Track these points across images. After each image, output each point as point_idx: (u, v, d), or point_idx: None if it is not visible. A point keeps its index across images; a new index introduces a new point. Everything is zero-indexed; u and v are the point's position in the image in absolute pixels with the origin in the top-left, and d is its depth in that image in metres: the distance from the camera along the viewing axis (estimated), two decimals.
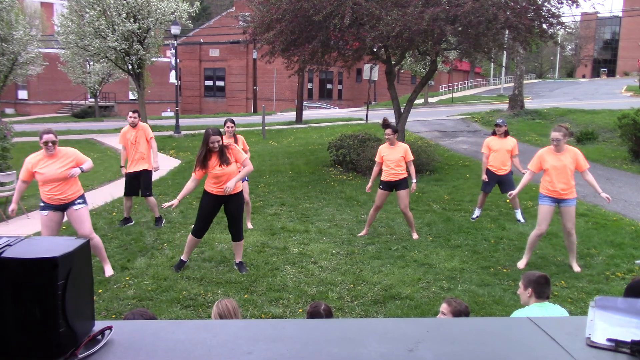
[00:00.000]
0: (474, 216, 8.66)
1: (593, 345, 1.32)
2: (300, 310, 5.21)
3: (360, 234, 7.75)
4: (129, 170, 8.02)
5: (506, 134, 8.46)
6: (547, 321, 1.52)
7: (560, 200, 6.30)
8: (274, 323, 1.83)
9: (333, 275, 6.12)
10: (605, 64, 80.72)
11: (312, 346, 1.33)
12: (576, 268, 6.34)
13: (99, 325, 1.34)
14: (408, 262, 6.60)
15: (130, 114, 8.14)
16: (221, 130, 6.23)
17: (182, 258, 6.29)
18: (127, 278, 5.97)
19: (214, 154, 5.85)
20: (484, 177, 8.44)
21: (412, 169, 7.70)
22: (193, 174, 5.96)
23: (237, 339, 1.35)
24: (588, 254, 6.92)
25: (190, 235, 6.21)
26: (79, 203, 5.83)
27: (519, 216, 8.52)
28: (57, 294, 1.16)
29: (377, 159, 7.76)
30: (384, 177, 7.64)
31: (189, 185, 5.97)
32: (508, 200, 7.76)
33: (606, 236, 7.65)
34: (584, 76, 74.90)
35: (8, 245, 1.22)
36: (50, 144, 5.56)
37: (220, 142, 5.83)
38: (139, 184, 8.03)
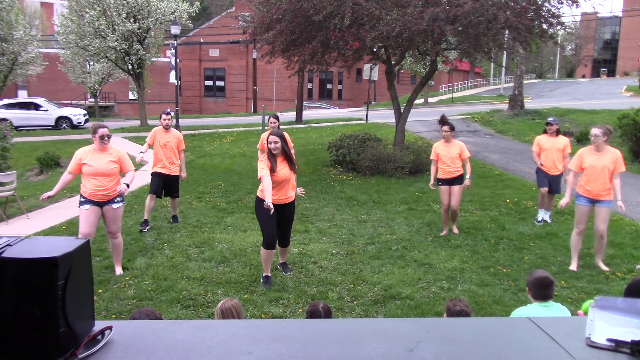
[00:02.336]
0: (539, 219, 8.34)
1: (593, 345, 1.32)
2: (300, 310, 5.21)
3: (442, 234, 7.73)
4: (157, 170, 8.02)
5: (557, 132, 8.18)
6: (547, 321, 1.52)
7: (595, 201, 6.25)
8: (274, 323, 1.83)
9: (333, 275, 6.12)
10: (605, 64, 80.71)
11: (312, 346, 1.33)
12: (604, 267, 6.34)
13: (99, 325, 1.34)
14: (408, 262, 6.60)
15: (164, 115, 8.07)
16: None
17: (265, 274, 5.88)
18: (127, 278, 5.97)
19: (279, 156, 5.60)
20: (538, 162, 8.18)
21: (469, 166, 7.71)
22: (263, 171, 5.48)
23: (237, 339, 1.35)
24: (588, 254, 6.92)
25: (262, 249, 5.82)
26: (119, 202, 5.98)
27: (546, 216, 8.33)
28: (57, 294, 1.16)
29: (432, 157, 7.85)
30: (440, 175, 7.70)
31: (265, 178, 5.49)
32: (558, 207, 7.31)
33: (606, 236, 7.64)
34: (584, 76, 74.88)
35: (8, 245, 1.22)
36: (105, 138, 5.79)
37: (280, 144, 5.54)
38: (164, 186, 8.06)
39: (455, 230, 7.81)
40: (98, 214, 5.90)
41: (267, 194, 5.29)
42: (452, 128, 7.61)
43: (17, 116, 23.11)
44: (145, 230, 7.82)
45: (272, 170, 5.47)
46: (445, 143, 7.68)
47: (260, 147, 8.34)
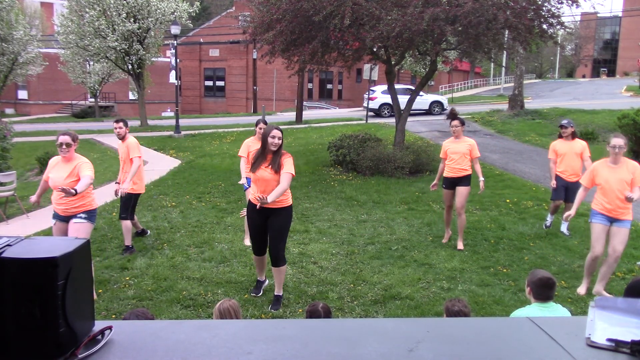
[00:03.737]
0: (547, 223, 8.08)
1: (593, 345, 1.32)
2: (300, 310, 5.21)
3: (444, 241, 7.39)
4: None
5: (574, 135, 7.70)
6: (547, 321, 1.52)
7: (614, 220, 5.58)
8: (274, 323, 1.83)
9: (333, 275, 6.12)
10: (605, 64, 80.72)
11: (312, 346, 1.33)
12: (605, 294, 5.65)
13: (99, 325, 1.34)
14: (408, 262, 6.60)
15: (114, 124, 7.05)
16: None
17: (257, 278, 5.66)
18: (127, 278, 5.97)
19: (270, 154, 5.07)
20: (553, 183, 7.73)
21: (479, 167, 7.21)
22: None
23: (237, 339, 1.35)
24: (587, 254, 6.91)
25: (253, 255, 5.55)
26: (82, 218, 5.32)
27: (564, 227, 7.92)
28: (57, 294, 1.16)
29: (441, 155, 7.34)
30: (446, 173, 7.22)
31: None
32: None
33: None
34: (584, 76, 74.89)
35: (8, 245, 1.22)
36: (64, 146, 5.20)
37: (281, 141, 5.08)
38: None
39: (460, 246, 7.11)
40: (64, 231, 5.36)
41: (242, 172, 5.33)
42: (462, 123, 7.12)
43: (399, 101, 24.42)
44: (126, 255, 6.77)
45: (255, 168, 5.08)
46: (455, 139, 7.16)
47: (243, 155, 6.95)
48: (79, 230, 5.26)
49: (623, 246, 5.62)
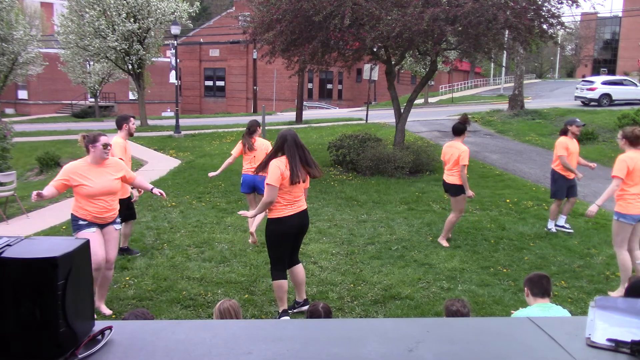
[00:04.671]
0: (551, 227, 7.94)
1: (593, 345, 1.32)
2: None
3: (448, 245, 7.27)
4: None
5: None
6: (547, 321, 1.52)
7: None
8: (274, 323, 1.83)
9: (333, 275, 6.12)
10: (605, 64, 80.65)
11: (312, 346, 1.33)
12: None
13: (99, 325, 1.34)
14: (408, 262, 6.60)
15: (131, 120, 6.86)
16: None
17: (282, 309, 4.99)
18: (127, 278, 5.97)
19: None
20: (579, 175, 7.74)
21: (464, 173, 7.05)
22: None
23: (237, 339, 1.35)
24: (588, 254, 6.92)
25: (276, 282, 4.92)
26: (119, 223, 5.20)
27: (562, 221, 7.93)
28: (57, 294, 1.16)
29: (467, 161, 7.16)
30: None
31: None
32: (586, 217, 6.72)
33: (606, 236, 7.63)
34: (584, 76, 74.66)
35: (8, 245, 1.22)
36: (109, 147, 4.96)
37: None
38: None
39: (444, 243, 7.29)
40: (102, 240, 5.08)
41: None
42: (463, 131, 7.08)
43: (616, 90, 25.65)
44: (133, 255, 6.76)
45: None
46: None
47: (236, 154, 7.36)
48: (117, 239, 5.18)
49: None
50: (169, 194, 10.26)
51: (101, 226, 4.95)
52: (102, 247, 4.90)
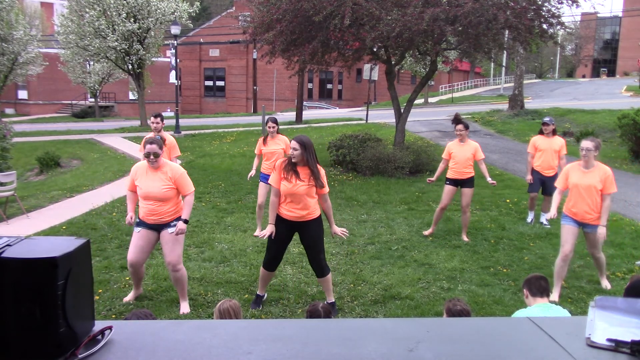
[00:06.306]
0: (529, 220, 8.37)
1: (593, 345, 1.32)
2: (300, 310, 5.21)
3: (426, 232, 7.67)
4: None
5: (554, 132, 8.04)
6: (547, 321, 1.52)
7: (584, 225, 5.52)
8: (274, 323, 1.83)
9: (333, 275, 6.11)
10: (605, 64, 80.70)
11: (312, 346, 1.33)
12: (605, 284, 5.80)
13: (99, 325, 1.34)
14: (408, 262, 6.60)
15: (152, 118, 7.14)
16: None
17: (258, 293, 5.34)
18: (127, 278, 5.97)
19: (302, 166, 4.86)
20: (529, 177, 8.11)
21: (484, 167, 7.44)
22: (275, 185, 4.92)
23: (237, 339, 1.35)
24: (588, 254, 6.91)
25: (261, 268, 5.20)
26: (174, 227, 5.03)
27: (543, 219, 8.26)
28: (57, 294, 1.16)
29: (444, 155, 7.51)
30: (450, 175, 7.47)
31: (274, 200, 4.95)
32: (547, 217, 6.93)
33: (606, 236, 7.64)
34: (584, 76, 74.87)
35: (8, 245, 1.22)
36: (152, 157, 4.85)
37: (298, 152, 4.80)
38: None
39: (465, 238, 7.46)
40: (150, 240, 5.07)
41: (271, 212, 4.91)
42: (466, 127, 7.35)
43: None
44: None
45: (286, 182, 4.84)
46: (460, 142, 7.38)
47: (257, 153, 7.58)
48: (179, 239, 5.05)
49: (595, 248, 5.57)
50: None
51: (156, 228, 5.03)
52: (135, 248, 5.04)
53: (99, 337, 1.31)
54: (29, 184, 13.41)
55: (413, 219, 8.56)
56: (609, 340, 1.31)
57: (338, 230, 5.10)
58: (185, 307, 5.16)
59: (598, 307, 1.38)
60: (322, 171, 4.96)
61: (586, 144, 5.34)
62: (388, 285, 5.80)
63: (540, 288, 3.52)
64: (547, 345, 1.36)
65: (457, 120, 7.48)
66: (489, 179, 7.40)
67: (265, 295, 5.41)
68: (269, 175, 6.61)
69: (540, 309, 3.42)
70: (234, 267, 6.33)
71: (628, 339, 1.28)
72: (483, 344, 1.39)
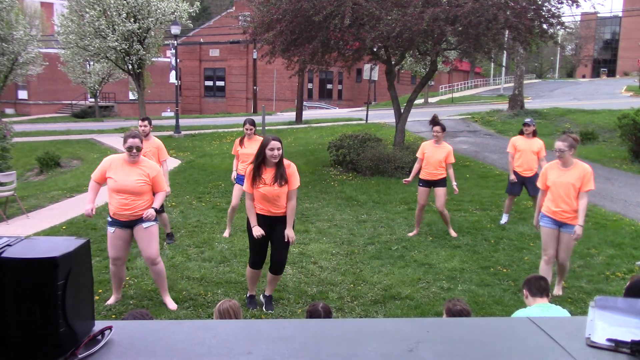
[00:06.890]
0: (502, 222, 8.36)
1: (593, 345, 1.32)
2: (300, 310, 5.21)
3: (410, 234, 7.73)
4: None
5: (534, 134, 8.05)
6: (547, 321, 1.52)
7: (561, 224, 5.41)
8: (274, 323, 1.83)
9: (333, 275, 6.12)
10: (605, 64, 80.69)
11: (312, 346, 1.33)
12: (557, 291, 5.65)
13: (99, 325, 1.34)
14: (408, 262, 6.60)
15: (140, 122, 7.14)
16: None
17: (249, 293, 5.38)
18: (127, 278, 5.96)
19: (271, 167, 4.84)
20: (512, 177, 8.06)
21: (452, 172, 7.60)
22: (248, 190, 4.95)
23: (237, 339, 1.35)
24: (588, 254, 6.92)
25: (248, 268, 5.26)
26: (150, 220, 5.02)
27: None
28: (57, 294, 1.16)
29: (418, 154, 7.71)
30: (422, 176, 7.62)
31: (249, 204, 4.98)
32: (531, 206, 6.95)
33: (606, 236, 7.65)
34: (584, 76, 74.85)
35: (8, 245, 1.22)
36: (134, 150, 4.89)
37: (281, 151, 4.80)
38: None
39: (453, 233, 7.69)
40: (125, 237, 5.09)
41: (251, 216, 4.92)
42: (443, 129, 7.58)
43: None
44: (170, 242, 7.24)
45: (261, 183, 4.85)
46: (435, 144, 7.58)
47: (234, 154, 7.57)
48: (153, 233, 5.08)
49: (566, 253, 5.44)
50: (169, 193, 10.26)
51: (129, 225, 5.03)
52: (114, 247, 5.08)
53: (99, 337, 1.31)
54: (29, 184, 13.42)
55: (413, 219, 8.55)
56: (609, 340, 1.31)
57: (291, 233, 4.97)
58: (170, 303, 5.21)
59: (598, 307, 1.38)
60: (293, 166, 4.96)
61: (558, 144, 5.26)
62: (388, 285, 5.80)
63: (540, 288, 3.54)
64: (547, 345, 1.36)
65: (434, 121, 7.68)
66: (454, 184, 7.56)
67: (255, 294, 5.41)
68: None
69: (540, 309, 3.42)
70: (234, 267, 6.33)
71: (628, 339, 1.28)
72: (483, 344, 1.39)
